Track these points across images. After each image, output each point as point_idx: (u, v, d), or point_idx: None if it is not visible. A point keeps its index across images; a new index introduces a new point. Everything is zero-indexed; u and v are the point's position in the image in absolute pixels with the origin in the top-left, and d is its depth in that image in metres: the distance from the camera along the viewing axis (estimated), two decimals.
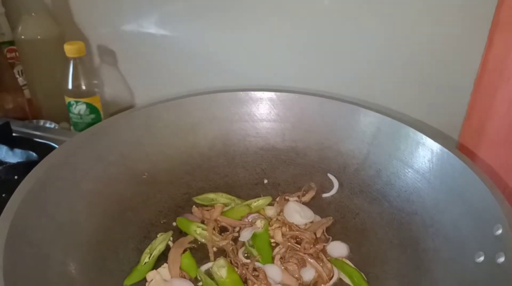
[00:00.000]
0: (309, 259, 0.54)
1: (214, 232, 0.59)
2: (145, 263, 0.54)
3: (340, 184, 0.66)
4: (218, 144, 0.70)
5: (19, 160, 0.73)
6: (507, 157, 0.70)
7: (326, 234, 0.59)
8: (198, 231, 0.59)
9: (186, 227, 0.59)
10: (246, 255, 0.56)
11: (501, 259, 0.44)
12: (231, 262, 0.54)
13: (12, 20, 0.94)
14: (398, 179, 0.62)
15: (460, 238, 0.51)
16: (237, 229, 0.60)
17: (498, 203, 0.48)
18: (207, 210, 0.62)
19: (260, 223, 0.58)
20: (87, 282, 0.49)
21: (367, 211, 0.62)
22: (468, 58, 0.69)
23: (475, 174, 0.52)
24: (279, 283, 0.52)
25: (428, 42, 0.70)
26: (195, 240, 0.58)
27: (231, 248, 0.56)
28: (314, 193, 0.65)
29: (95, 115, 0.86)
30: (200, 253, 0.57)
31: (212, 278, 0.53)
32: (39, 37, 0.89)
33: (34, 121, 0.94)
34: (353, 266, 0.54)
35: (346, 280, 0.54)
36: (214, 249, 0.57)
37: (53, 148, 0.77)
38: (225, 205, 0.63)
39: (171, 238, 0.58)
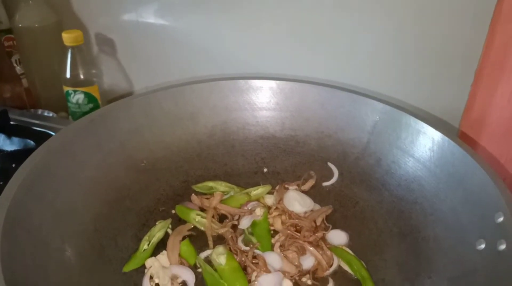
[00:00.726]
0: (309, 247, 0.54)
1: (213, 220, 0.58)
2: (144, 250, 0.54)
3: (340, 173, 0.66)
4: (217, 133, 0.69)
5: (16, 148, 0.72)
6: (508, 149, 0.70)
7: (326, 222, 0.59)
8: (197, 219, 0.58)
9: (185, 214, 0.59)
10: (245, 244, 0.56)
11: (503, 246, 0.44)
12: (230, 250, 0.54)
13: (10, 8, 0.92)
14: (398, 168, 0.62)
15: (460, 226, 0.51)
16: (236, 217, 0.59)
17: (500, 191, 0.48)
18: (206, 198, 0.62)
19: (259, 211, 0.58)
20: (85, 269, 0.49)
21: (367, 200, 0.62)
22: (469, 49, 0.68)
23: (476, 162, 0.52)
24: (279, 270, 0.52)
25: (429, 32, 0.69)
26: (194, 228, 0.58)
27: (230, 236, 0.56)
28: (313, 182, 0.65)
29: (94, 105, 0.86)
30: (199, 240, 0.57)
31: (211, 266, 0.53)
32: (37, 25, 0.88)
33: (32, 110, 0.93)
34: (352, 254, 0.54)
35: (346, 267, 0.53)
36: (214, 234, 0.57)
37: (51, 136, 0.77)
38: (224, 193, 0.63)
39: (170, 226, 0.58)
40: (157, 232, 0.56)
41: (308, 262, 0.53)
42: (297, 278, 0.52)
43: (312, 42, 0.76)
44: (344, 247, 0.56)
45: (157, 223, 0.58)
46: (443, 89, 0.73)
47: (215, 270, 0.52)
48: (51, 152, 0.53)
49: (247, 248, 0.54)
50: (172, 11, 0.84)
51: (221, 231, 0.57)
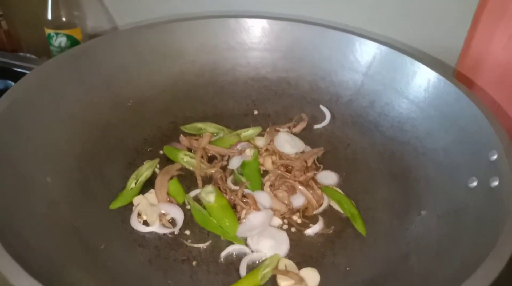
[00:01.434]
0: (299, 186, 0.54)
1: (202, 160, 0.57)
2: (131, 188, 0.53)
3: (332, 116, 0.64)
4: (206, 73, 0.66)
5: None
6: (501, 96, 0.69)
7: (317, 163, 0.58)
8: (186, 159, 0.57)
9: (174, 155, 0.58)
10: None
11: (495, 183, 0.43)
12: (219, 189, 0.53)
13: None
14: (392, 109, 0.60)
15: (452, 165, 0.50)
16: (226, 157, 0.58)
17: (494, 129, 0.47)
18: (195, 139, 0.60)
19: (249, 152, 0.57)
20: (71, 205, 0.48)
21: (359, 142, 0.61)
22: None
23: (471, 101, 0.51)
24: (268, 208, 0.51)
25: None
26: (183, 168, 0.57)
27: (219, 176, 0.55)
28: (305, 124, 0.64)
29: None
30: (188, 180, 0.56)
31: (200, 204, 0.52)
32: None
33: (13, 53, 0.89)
34: (343, 193, 0.54)
35: (336, 206, 0.53)
36: (203, 174, 0.56)
37: None
38: (214, 134, 0.61)
39: (158, 166, 0.57)
40: (144, 171, 0.55)
41: (298, 201, 0.53)
42: (287, 216, 0.52)
43: None
44: (334, 187, 0.55)
45: (144, 163, 0.56)
46: (440, 33, 0.71)
47: (204, 208, 0.51)
48: (31, 86, 0.50)
49: (237, 188, 0.54)
50: None
51: (210, 171, 0.56)
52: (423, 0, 0.68)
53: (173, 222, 0.51)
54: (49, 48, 0.82)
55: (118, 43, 0.60)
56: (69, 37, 0.80)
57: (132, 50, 0.61)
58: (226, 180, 0.55)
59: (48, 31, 0.80)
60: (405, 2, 0.68)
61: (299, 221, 0.52)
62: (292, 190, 0.54)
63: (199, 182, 0.55)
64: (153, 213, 0.50)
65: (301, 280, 0.44)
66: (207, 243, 0.49)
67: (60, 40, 0.81)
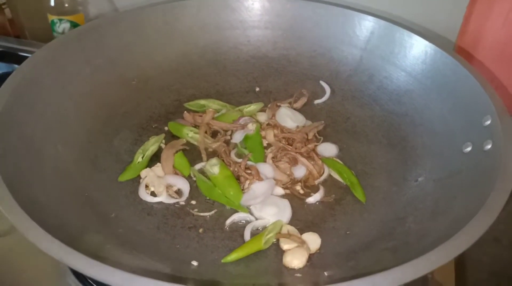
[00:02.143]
0: (300, 157, 0.55)
1: (206, 135, 0.59)
2: (139, 162, 0.55)
3: (332, 91, 0.66)
4: (208, 52, 0.68)
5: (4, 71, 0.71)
6: (500, 72, 0.70)
7: (317, 136, 0.60)
8: (190, 135, 0.59)
9: (178, 130, 0.60)
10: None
11: (488, 146, 0.45)
12: (223, 162, 0.55)
13: None
14: (390, 83, 0.62)
15: (448, 132, 0.52)
16: (229, 132, 0.60)
17: (488, 95, 0.49)
18: (199, 116, 0.62)
19: (252, 126, 0.59)
20: (81, 177, 0.50)
21: (358, 115, 0.62)
22: None
23: (467, 70, 0.52)
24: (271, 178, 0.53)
25: None
26: (188, 143, 0.59)
27: (223, 150, 0.57)
28: (306, 100, 0.65)
29: None
30: (192, 154, 0.57)
31: (205, 176, 0.54)
32: None
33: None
34: (342, 163, 0.56)
35: (336, 176, 0.55)
36: (207, 148, 0.58)
37: None
38: (217, 111, 0.63)
39: (163, 141, 0.59)
40: (151, 145, 0.57)
41: (299, 171, 0.55)
42: (289, 186, 0.54)
43: None
44: (334, 158, 0.57)
45: (150, 138, 0.58)
46: (439, 10, 0.72)
47: (209, 179, 0.53)
48: (39, 63, 0.52)
49: (240, 160, 0.55)
50: None
51: (214, 145, 0.58)
52: None
53: (179, 193, 0.53)
54: (53, 35, 0.84)
55: (121, 23, 0.62)
56: (72, 23, 0.82)
57: (135, 30, 0.63)
58: (229, 154, 0.57)
59: (51, 17, 0.81)
60: None
61: (301, 191, 0.54)
62: (293, 161, 0.56)
63: (204, 156, 0.57)
64: (160, 184, 0.52)
65: (303, 242, 0.46)
66: (213, 212, 0.51)
67: (63, 26, 0.82)
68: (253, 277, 0.44)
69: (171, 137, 0.60)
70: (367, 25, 0.63)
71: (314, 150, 0.57)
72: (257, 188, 0.52)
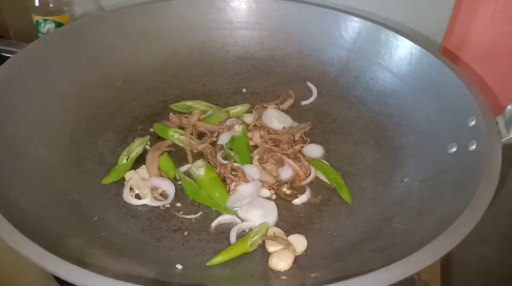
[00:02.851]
0: (287, 159, 0.55)
1: (192, 136, 0.58)
2: (123, 164, 0.54)
3: (319, 92, 0.66)
4: (195, 53, 0.67)
5: None
6: (484, 74, 0.70)
7: (304, 137, 0.59)
8: (176, 136, 0.58)
9: (164, 132, 0.59)
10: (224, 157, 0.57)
11: (473, 147, 0.45)
12: (209, 164, 0.54)
13: None
14: (376, 84, 0.62)
15: (434, 133, 0.52)
16: (215, 134, 0.60)
17: (473, 96, 0.49)
18: (185, 117, 0.61)
19: (238, 127, 0.58)
20: (64, 179, 0.49)
21: (345, 116, 0.62)
22: None
23: (452, 71, 0.53)
24: (257, 180, 0.53)
25: None
26: (173, 145, 0.58)
27: (209, 151, 0.56)
28: (292, 101, 0.65)
29: None
30: (178, 157, 0.57)
31: (191, 178, 0.53)
32: None
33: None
34: (329, 164, 0.55)
35: (323, 178, 0.55)
36: (193, 150, 0.57)
37: None
38: (203, 112, 0.62)
39: (149, 143, 0.58)
40: (136, 147, 0.56)
41: (286, 173, 0.55)
42: (275, 188, 0.53)
43: None
44: (321, 159, 0.57)
45: (135, 140, 0.57)
46: (425, 11, 0.72)
47: (195, 181, 0.53)
48: (21, 63, 0.51)
49: (226, 162, 0.55)
50: None
51: (200, 147, 0.57)
52: None
53: (164, 195, 0.52)
54: (38, 36, 0.83)
55: (105, 23, 0.61)
56: (57, 23, 0.81)
57: (120, 30, 0.62)
58: (215, 155, 0.57)
59: (36, 17, 0.80)
60: None
61: (288, 192, 0.53)
62: (280, 163, 0.55)
63: (189, 157, 0.56)
64: (145, 186, 0.51)
65: (289, 244, 0.46)
66: (198, 214, 0.50)
67: (48, 27, 0.81)
68: (239, 280, 0.44)
69: (157, 138, 0.59)
70: (353, 26, 0.63)
71: (300, 151, 0.57)
72: (243, 190, 0.52)
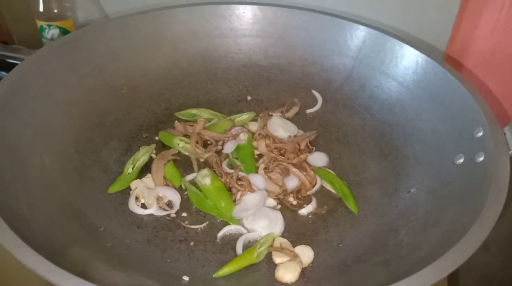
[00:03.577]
0: (292, 168, 0.55)
1: (197, 145, 0.58)
2: (129, 173, 0.54)
3: (324, 100, 0.65)
4: (199, 60, 0.67)
5: None
6: (487, 81, 0.70)
7: (309, 146, 0.59)
8: (181, 145, 0.58)
9: (169, 140, 0.59)
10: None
11: (481, 158, 0.45)
12: (215, 173, 0.54)
13: None
14: (381, 92, 0.62)
15: (440, 143, 0.52)
16: (220, 142, 0.59)
17: (480, 107, 0.49)
18: (190, 125, 0.61)
19: (243, 136, 0.58)
20: (68, 189, 0.49)
21: (350, 125, 0.62)
22: None
23: (458, 80, 0.52)
24: (263, 190, 0.53)
25: None
26: (179, 154, 0.58)
27: (214, 160, 0.56)
28: (297, 109, 0.65)
29: None
30: (183, 165, 0.57)
31: (197, 187, 0.53)
32: None
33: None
34: (334, 174, 0.55)
35: (328, 187, 0.55)
36: (198, 159, 0.57)
37: None
38: (208, 120, 0.62)
39: (154, 151, 0.58)
40: (141, 156, 0.56)
41: (292, 182, 0.54)
42: (281, 197, 0.53)
43: None
44: (326, 169, 0.56)
45: (140, 149, 0.57)
46: (429, 18, 0.72)
47: (200, 191, 0.53)
48: (26, 72, 0.51)
49: (232, 171, 0.55)
50: None
51: (205, 155, 0.57)
52: None
53: (170, 204, 0.52)
54: (41, 41, 0.83)
55: (109, 31, 0.61)
56: (61, 29, 0.81)
57: (124, 37, 0.62)
58: (221, 164, 0.56)
59: (40, 23, 0.80)
60: None
61: (294, 202, 0.53)
62: (285, 172, 0.55)
63: (195, 166, 0.56)
64: (151, 196, 0.51)
65: (296, 256, 0.45)
66: (204, 224, 0.50)
67: (52, 32, 0.81)
68: None
69: (162, 147, 0.59)
70: (358, 34, 0.63)
71: (305, 160, 0.57)
72: (249, 200, 0.51)
